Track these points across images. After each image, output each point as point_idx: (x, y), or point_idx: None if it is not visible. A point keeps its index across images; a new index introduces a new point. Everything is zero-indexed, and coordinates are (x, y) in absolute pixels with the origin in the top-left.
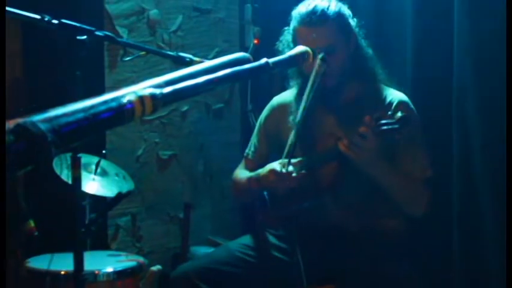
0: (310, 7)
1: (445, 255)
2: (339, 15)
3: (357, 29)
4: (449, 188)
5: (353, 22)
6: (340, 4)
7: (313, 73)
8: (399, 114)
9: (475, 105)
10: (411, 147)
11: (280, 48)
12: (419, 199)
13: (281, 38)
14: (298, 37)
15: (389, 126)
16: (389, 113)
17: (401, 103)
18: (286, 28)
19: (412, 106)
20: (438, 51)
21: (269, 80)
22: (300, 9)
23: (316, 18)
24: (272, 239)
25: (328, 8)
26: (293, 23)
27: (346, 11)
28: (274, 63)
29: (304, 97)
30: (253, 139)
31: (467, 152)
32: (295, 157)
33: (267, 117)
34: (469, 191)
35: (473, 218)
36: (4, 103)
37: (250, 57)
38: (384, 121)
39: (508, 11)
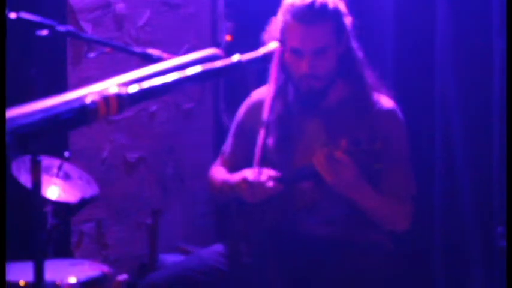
0: (307, 1)
1: (426, 270)
2: (337, 13)
3: (349, 29)
4: (431, 200)
5: (347, 21)
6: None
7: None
8: (378, 143)
9: (459, 114)
10: (396, 166)
11: (266, 39)
12: (402, 216)
13: (268, 28)
14: (289, 32)
15: (367, 156)
16: (368, 140)
17: (389, 113)
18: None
19: (400, 116)
20: (420, 55)
21: (244, 77)
22: (295, 1)
23: (313, 15)
24: (246, 247)
25: (326, 5)
26: (285, 16)
27: (343, 8)
28: (247, 60)
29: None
30: (230, 137)
31: (451, 160)
32: (272, 164)
33: (244, 114)
34: (452, 202)
35: (456, 231)
36: (4, 102)
37: (222, 54)
38: (361, 148)
39: (508, 10)
